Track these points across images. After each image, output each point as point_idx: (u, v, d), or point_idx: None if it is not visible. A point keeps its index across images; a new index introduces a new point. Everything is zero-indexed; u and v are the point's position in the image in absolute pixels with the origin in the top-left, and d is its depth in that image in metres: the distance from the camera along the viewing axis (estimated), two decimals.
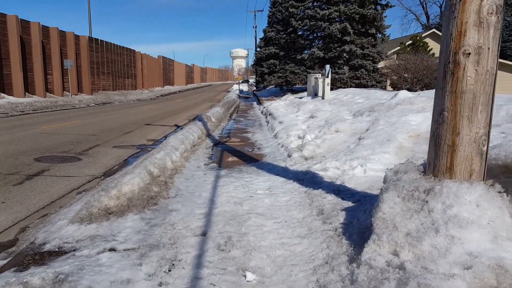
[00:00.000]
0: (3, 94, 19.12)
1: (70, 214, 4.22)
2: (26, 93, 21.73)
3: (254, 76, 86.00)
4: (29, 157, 7.56)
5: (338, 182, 4.73)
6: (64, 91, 26.64)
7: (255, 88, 57.30)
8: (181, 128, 13.83)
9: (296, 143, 8.05)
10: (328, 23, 24.76)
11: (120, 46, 39.31)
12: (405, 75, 20.74)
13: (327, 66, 16.88)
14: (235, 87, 68.31)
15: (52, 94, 24.96)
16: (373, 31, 25.50)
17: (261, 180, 5.37)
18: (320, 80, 17.94)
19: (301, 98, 19.42)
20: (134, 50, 44.97)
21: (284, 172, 5.77)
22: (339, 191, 4.39)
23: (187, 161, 6.52)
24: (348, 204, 3.92)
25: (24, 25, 22.09)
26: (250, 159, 7.50)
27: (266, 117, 16.00)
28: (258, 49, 47.70)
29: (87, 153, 8.38)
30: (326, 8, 25.02)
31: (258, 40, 50.88)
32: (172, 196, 4.54)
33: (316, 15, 24.78)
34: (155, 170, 4.94)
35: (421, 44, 27.09)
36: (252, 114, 20.45)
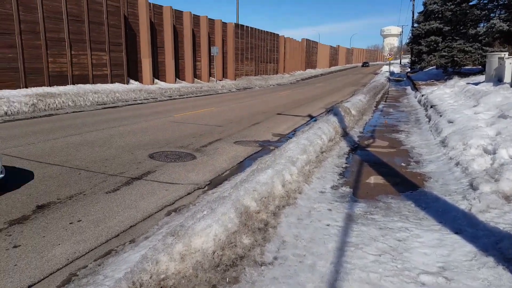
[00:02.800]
0: (156, 80, 20.78)
1: (134, 257, 2.96)
2: (177, 79, 23.30)
3: (409, 56, 76.89)
4: (145, 152, 6.95)
5: None
6: (210, 77, 27.90)
7: (409, 70, 50.86)
8: (314, 120, 11.97)
9: (482, 162, 5.22)
10: None
11: (264, 31, 39.48)
12: None
13: None
14: (385, 68, 62.31)
15: (199, 80, 26.37)
16: None
17: (425, 241, 3.09)
18: (509, 61, 13.31)
19: (476, 84, 15.00)
20: (278, 35, 44.80)
21: (468, 226, 3.31)
22: None
23: (307, 181, 4.64)
24: None
25: (177, 15, 23.53)
26: (403, 182, 5.11)
27: (426, 110, 12.67)
28: (415, 25, 41.77)
29: (205, 149, 7.39)
30: None
31: (416, 14, 44.63)
32: (267, 262, 2.76)
33: None
34: (252, 204, 3.24)
35: None
36: (406, 103, 17.01)
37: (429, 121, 10.30)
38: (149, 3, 20.45)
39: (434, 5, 34.95)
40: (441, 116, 9.56)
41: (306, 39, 58.36)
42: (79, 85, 15.13)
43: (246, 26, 34.52)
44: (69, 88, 14.21)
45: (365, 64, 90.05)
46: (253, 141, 8.48)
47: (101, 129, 9.13)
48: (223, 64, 30.29)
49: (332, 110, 10.16)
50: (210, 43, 28.02)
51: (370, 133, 9.24)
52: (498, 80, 14.35)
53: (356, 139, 8.30)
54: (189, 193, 4.88)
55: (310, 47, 61.54)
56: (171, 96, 18.64)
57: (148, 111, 13.03)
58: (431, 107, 12.07)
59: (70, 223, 3.89)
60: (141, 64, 20.09)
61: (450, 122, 8.43)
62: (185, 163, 6.34)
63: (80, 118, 10.96)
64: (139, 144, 7.59)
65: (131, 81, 18.80)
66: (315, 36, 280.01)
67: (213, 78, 27.83)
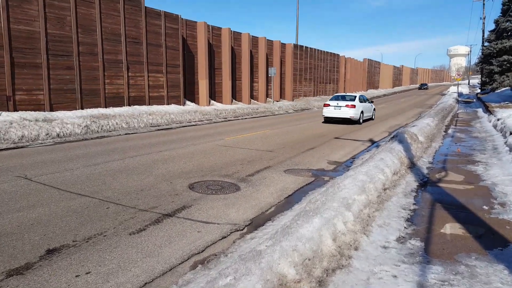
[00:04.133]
0: (212, 101, 20.92)
1: None
2: (233, 100, 23.35)
3: (478, 77, 71.14)
4: (185, 181, 6.52)
5: None
6: (267, 98, 27.69)
7: (479, 91, 46.84)
8: (376, 146, 10.87)
9: None
10: None
11: (323, 51, 38.79)
12: None
13: None
14: (452, 89, 58.24)
15: (255, 101, 26.25)
16: None
17: None
18: None
19: None
20: (338, 55, 43.80)
21: None
22: None
23: (366, 230, 3.79)
24: None
25: (236, 36, 23.80)
26: (488, 234, 4.03)
27: (505, 137, 10.98)
28: (486, 44, 38.58)
29: (251, 179, 6.80)
30: None
31: (486, 33, 41.21)
32: None
33: None
34: (290, 271, 2.53)
35: None
36: (479, 128, 15.13)
37: (510, 151, 8.78)
38: (208, 25, 20.88)
39: (507, 23, 31.95)
40: None
41: (368, 59, 56.56)
42: (134, 106, 15.49)
43: (305, 46, 34.14)
44: (124, 109, 14.53)
45: (422, 87, 76.72)
46: (305, 170, 7.74)
47: (146, 154, 8.91)
48: (280, 84, 30.03)
49: (396, 136, 9.09)
50: (268, 64, 27.96)
51: (441, 163, 8.02)
52: None
53: (425, 171, 7.18)
54: (224, 237, 4.25)
55: (372, 67, 59.49)
56: (226, 118, 18.56)
57: (199, 133, 12.88)
58: (511, 133, 10.41)
59: (76, 276, 3.31)
60: (198, 86, 20.39)
61: None
62: (226, 196, 5.78)
63: (130, 141, 10.99)
64: (181, 172, 7.20)
65: (187, 102, 19.08)
66: (377, 56, 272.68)
67: (270, 99, 27.58)
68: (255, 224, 4.73)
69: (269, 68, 26.61)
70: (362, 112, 17.48)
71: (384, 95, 52.79)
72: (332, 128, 15.41)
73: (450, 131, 14.09)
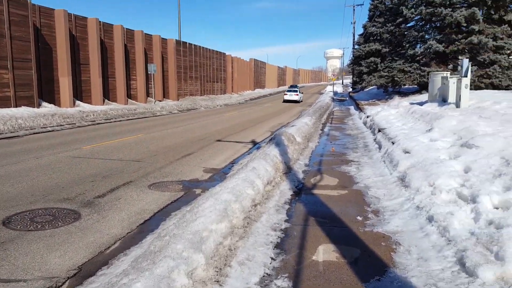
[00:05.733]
0: (78, 102, 18.06)
1: None
2: (106, 100, 20.73)
3: (350, 77, 79.79)
4: (2, 213, 4.79)
5: None
6: (148, 97, 25.59)
7: (351, 90, 52.16)
8: (257, 148, 10.36)
9: (463, 216, 3.83)
10: (450, 9, 19.31)
11: (209, 49, 38.00)
12: None
13: (465, 61, 11.76)
14: (329, 88, 63.69)
15: (134, 101, 23.95)
16: (510, 17, 19.50)
17: None
18: (452, 81, 12.82)
19: (421, 104, 14.43)
20: (225, 54, 43.59)
21: None
22: None
23: (221, 275, 2.88)
24: None
25: (106, 28, 21.16)
26: (364, 257, 3.53)
27: (374, 134, 11.63)
28: (356, 47, 42.97)
29: (100, 202, 5.38)
30: None
31: (356, 37, 46.07)
32: None
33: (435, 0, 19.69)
34: None
35: None
36: (351, 125, 16.12)
37: (379, 148, 9.16)
38: (69, 14, 17.93)
39: (373, 28, 36.01)
40: (393, 143, 8.40)
41: (254, 59, 57.92)
42: None
43: (189, 43, 32.78)
44: None
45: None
46: (175, 182, 6.65)
47: None
48: (163, 83, 28.11)
49: (274, 139, 8.63)
50: (148, 60, 25.82)
51: (317, 165, 7.80)
52: (443, 100, 13.88)
53: (301, 175, 6.77)
54: None
55: (258, 67, 61.23)
56: (94, 121, 16.15)
57: (51, 141, 10.59)
58: (379, 131, 11.05)
59: None
60: (59, 84, 17.36)
61: (406, 152, 7.22)
62: (55, 232, 4.31)
63: None
64: (2, 199, 5.38)
65: (44, 103, 16.01)
66: (263, 56, 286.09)
67: (151, 99, 25.53)
68: (84, 273, 3.45)
69: (148, 65, 24.58)
70: (300, 97, 35.74)
71: (270, 94, 54.82)
72: (216, 128, 14.61)
73: (326, 129, 14.60)
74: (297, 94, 34.30)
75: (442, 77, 14.34)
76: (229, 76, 45.24)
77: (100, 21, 20.17)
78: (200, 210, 3.57)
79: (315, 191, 5.78)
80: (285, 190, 5.59)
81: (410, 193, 5.16)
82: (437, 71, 18.52)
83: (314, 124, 14.08)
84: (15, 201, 5.27)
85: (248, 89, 53.86)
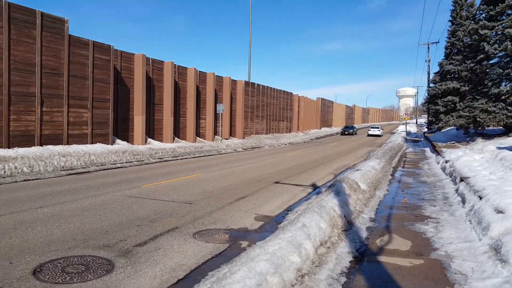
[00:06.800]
0: (150, 139, 19.07)
1: None
2: (176, 138, 21.64)
3: (425, 116, 75.09)
4: (35, 260, 4.53)
5: None
6: (215, 135, 26.27)
7: (426, 130, 48.70)
8: (317, 193, 9.58)
9: None
10: None
11: (276, 89, 38.58)
12: None
13: None
14: (401, 128, 60.43)
15: (202, 139, 24.70)
16: None
17: None
18: None
19: (510, 150, 12.51)
20: (291, 93, 43.92)
21: None
22: None
23: None
24: None
25: (181, 71, 22.53)
26: None
27: (455, 183, 10.15)
28: (431, 85, 40.55)
29: (139, 250, 5.07)
30: None
31: (431, 75, 43.52)
32: None
33: None
34: None
35: None
36: (427, 170, 14.50)
37: (463, 203, 7.81)
38: (147, 58, 19.45)
39: (450, 65, 33.73)
40: (480, 198, 7.08)
41: (322, 98, 57.63)
42: (47, 146, 13.21)
43: (257, 84, 33.63)
44: (32, 150, 12.22)
45: (347, 131, 48.91)
46: (222, 231, 6.19)
47: (8, 214, 6.73)
48: (230, 122, 28.84)
49: (333, 186, 7.82)
50: (217, 100, 26.80)
51: (385, 221, 6.79)
52: None
53: (364, 234, 5.86)
54: None
55: (326, 106, 60.65)
56: (161, 158, 16.72)
57: (115, 179, 10.92)
58: (462, 180, 9.59)
59: None
60: (133, 122, 18.55)
61: (498, 211, 5.94)
62: (81, 287, 4.01)
63: (16, 192, 8.85)
64: (39, 243, 5.20)
65: (118, 141, 17.08)
66: (331, 96, 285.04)
67: (218, 137, 26.16)
68: None
69: (217, 104, 25.42)
70: (381, 132, 46.36)
71: (337, 133, 53.42)
72: (276, 169, 14.12)
73: (397, 174, 13.27)
74: (379, 130, 46.83)
75: None
76: (295, 115, 45.20)
77: (175, 65, 21.54)
78: (228, 284, 2.98)
79: (382, 258, 4.84)
80: (343, 254, 4.76)
81: (508, 272, 4.02)
82: None
83: (382, 169, 12.87)
84: (54, 245, 5.16)
85: (314, 128, 53.19)
